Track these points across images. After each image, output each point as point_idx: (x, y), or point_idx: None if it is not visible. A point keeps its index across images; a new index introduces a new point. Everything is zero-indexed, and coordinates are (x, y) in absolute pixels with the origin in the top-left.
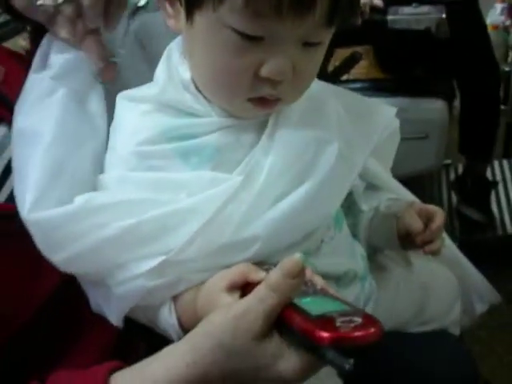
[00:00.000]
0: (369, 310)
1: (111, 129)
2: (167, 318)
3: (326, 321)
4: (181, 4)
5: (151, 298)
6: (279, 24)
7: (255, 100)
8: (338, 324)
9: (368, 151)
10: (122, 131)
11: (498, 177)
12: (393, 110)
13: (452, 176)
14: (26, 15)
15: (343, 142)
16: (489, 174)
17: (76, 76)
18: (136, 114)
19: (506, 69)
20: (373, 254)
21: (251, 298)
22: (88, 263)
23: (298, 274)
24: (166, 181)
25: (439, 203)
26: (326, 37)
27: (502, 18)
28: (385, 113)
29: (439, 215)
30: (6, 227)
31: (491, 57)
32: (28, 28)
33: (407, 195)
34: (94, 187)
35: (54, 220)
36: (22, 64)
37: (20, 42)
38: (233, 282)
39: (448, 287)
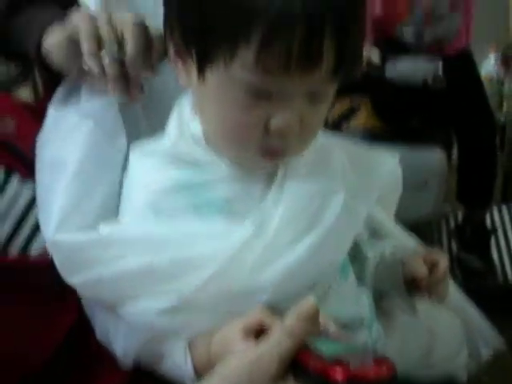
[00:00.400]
0: None
1: (125, 180)
2: (181, 363)
3: (339, 361)
4: (193, 61)
5: (161, 338)
6: (287, 80)
7: (264, 153)
8: (351, 364)
9: (372, 200)
10: (136, 183)
11: (497, 222)
12: (395, 159)
13: (452, 224)
14: (62, 71)
15: (348, 193)
16: (488, 220)
17: (106, 115)
18: (148, 166)
19: (501, 118)
20: (379, 300)
21: (266, 342)
22: (103, 290)
23: (313, 317)
24: (180, 230)
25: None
26: (331, 90)
27: (496, 68)
28: (387, 162)
29: (443, 261)
30: (23, 277)
31: (486, 107)
32: (36, 77)
33: (411, 241)
34: (118, 214)
35: (78, 244)
36: (35, 115)
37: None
38: (248, 327)
39: (453, 332)
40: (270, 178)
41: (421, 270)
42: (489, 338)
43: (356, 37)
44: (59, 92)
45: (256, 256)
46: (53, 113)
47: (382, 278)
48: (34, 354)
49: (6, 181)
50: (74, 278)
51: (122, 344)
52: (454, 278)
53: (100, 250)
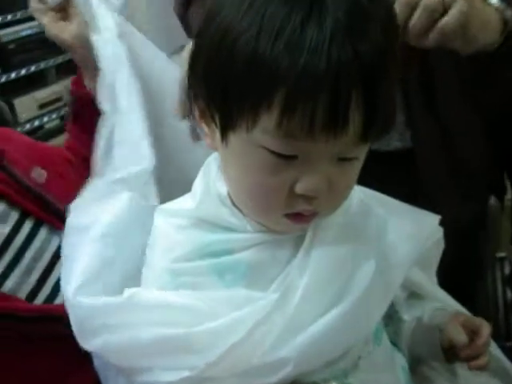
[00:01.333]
0: None
1: (148, 244)
2: None
3: None
4: (216, 126)
5: None
6: (312, 144)
7: (291, 215)
8: None
9: (410, 263)
10: (158, 247)
11: None
12: (436, 218)
13: (507, 270)
14: None
15: (383, 257)
16: None
17: (141, 182)
18: (172, 229)
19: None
20: (416, 364)
21: None
22: (118, 356)
23: None
24: (200, 299)
25: (493, 298)
26: (362, 152)
27: None
28: (428, 221)
29: (485, 328)
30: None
31: None
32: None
33: (453, 305)
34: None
35: (95, 308)
36: (71, 166)
37: None
38: None
39: None
40: (299, 243)
41: (460, 338)
42: None
43: (385, 98)
44: (97, 156)
45: (277, 330)
46: (93, 180)
47: (419, 342)
48: None
49: (35, 232)
50: (87, 343)
51: None
52: (509, 327)
53: (116, 316)
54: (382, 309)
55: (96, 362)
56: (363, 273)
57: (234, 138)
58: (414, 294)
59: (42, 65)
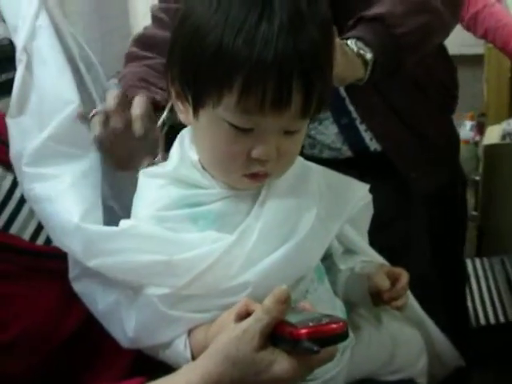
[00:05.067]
0: (346, 357)
1: (134, 200)
2: (182, 352)
3: (303, 324)
4: (189, 104)
5: (163, 330)
6: (263, 118)
7: (249, 175)
8: (311, 324)
9: (343, 218)
10: (143, 200)
11: None
12: (366, 187)
13: None
14: None
15: (322, 210)
16: None
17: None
18: (154, 187)
19: (477, 178)
20: (349, 312)
21: (250, 319)
22: (117, 273)
23: (285, 300)
24: (180, 239)
25: None
26: (303, 125)
27: (472, 134)
28: (359, 188)
29: (404, 276)
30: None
31: None
32: None
33: (379, 259)
34: None
35: (102, 233)
36: None
37: None
38: (238, 312)
39: (414, 341)
40: (256, 197)
41: (384, 283)
42: (448, 354)
43: (321, 82)
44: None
45: (239, 260)
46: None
47: (352, 289)
48: (61, 328)
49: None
50: (91, 262)
51: (132, 325)
52: None
53: (117, 242)
54: (322, 249)
55: (77, 288)
56: (306, 219)
57: (203, 114)
58: (348, 250)
59: None
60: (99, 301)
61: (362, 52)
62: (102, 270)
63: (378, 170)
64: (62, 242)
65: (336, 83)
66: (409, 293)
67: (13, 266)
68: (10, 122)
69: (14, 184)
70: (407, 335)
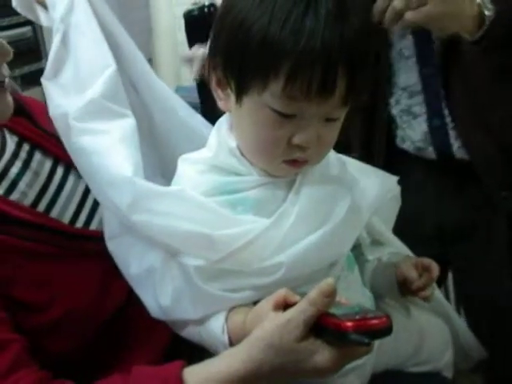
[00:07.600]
0: (374, 348)
1: (173, 184)
2: (219, 337)
3: (348, 316)
4: (231, 90)
5: (195, 304)
6: (308, 105)
7: (288, 161)
8: (357, 317)
9: (373, 207)
10: (184, 186)
11: None
12: (395, 179)
13: None
14: None
15: (354, 199)
16: None
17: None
18: (194, 173)
19: None
20: (376, 301)
21: (294, 310)
22: (158, 234)
23: (331, 293)
24: (223, 214)
25: None
26: (342, 114)
27: None
28: (388, 180)
29: (434, 266)
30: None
31: None
32: None
33: (406, 251)
34: None
35: (151, 190)
36: None
37: None
38: (277, 302)
39: (441, 333)
40: (292, 184)
41: (411, 273)
42: (473, 346)
43: (363, 71)
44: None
45: (275, 241)
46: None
47: (379, 279)
48: (102, 309)
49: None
50: (135, 217)
51: (165, 293)
52: None
53: (165, 203)
54: (354, 236)
55: (111, 247)
56: (340, 206)
57: (247, 101)
58: (376, 241)
59: None
60: (133, 263)
61: (482, 3)
62: (144, 228)
63: (463, 176)
64: (106, 194)
65: (434, 30)
66: (434, 285)
67: (53, 248)
68: (46, 83)
69: (54, 168)
70: (434, 327)
